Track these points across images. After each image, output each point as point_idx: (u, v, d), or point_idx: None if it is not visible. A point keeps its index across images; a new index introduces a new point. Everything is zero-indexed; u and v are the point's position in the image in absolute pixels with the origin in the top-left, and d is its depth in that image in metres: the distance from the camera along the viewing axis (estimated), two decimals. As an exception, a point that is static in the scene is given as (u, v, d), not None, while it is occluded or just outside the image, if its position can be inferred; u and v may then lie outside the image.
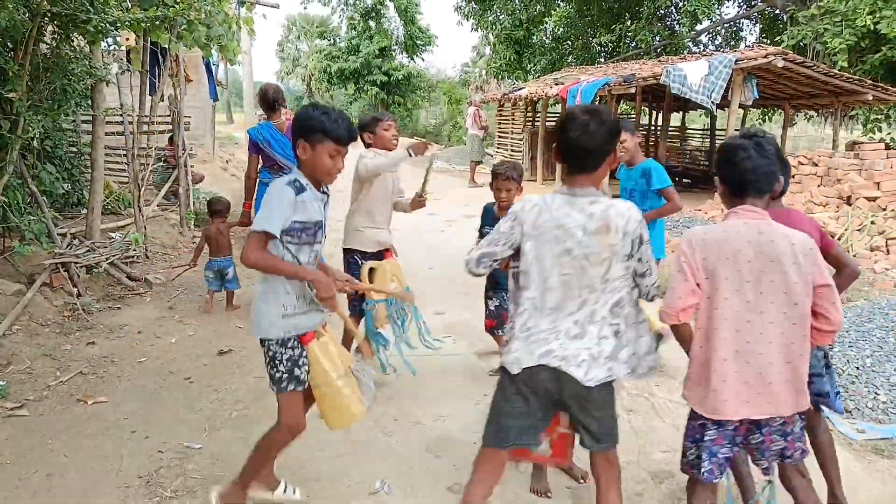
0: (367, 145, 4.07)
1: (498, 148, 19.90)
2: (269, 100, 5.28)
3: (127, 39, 6.19)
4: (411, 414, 3.92)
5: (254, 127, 5.46)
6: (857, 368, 4.31)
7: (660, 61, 14.39)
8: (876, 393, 4.07)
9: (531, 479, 3.15)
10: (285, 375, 2.58)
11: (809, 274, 2.19)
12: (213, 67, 12.83)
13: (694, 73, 10.62)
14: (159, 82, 8.34)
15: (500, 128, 20.16)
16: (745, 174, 2.25)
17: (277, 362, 2.57)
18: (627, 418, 3.95)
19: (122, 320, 5.30)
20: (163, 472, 3.21)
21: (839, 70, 12.43)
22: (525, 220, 2.28)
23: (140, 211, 6.88)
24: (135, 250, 6.55)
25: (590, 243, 2.18)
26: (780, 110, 16.58)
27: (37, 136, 5.28)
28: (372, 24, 31.31)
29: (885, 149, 9.74)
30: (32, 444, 3.45)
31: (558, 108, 15.46)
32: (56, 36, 5.47)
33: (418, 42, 33.06)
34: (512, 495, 3.09)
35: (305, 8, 50.17)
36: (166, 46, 7.19)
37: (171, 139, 9.11)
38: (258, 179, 5.36)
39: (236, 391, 4.16)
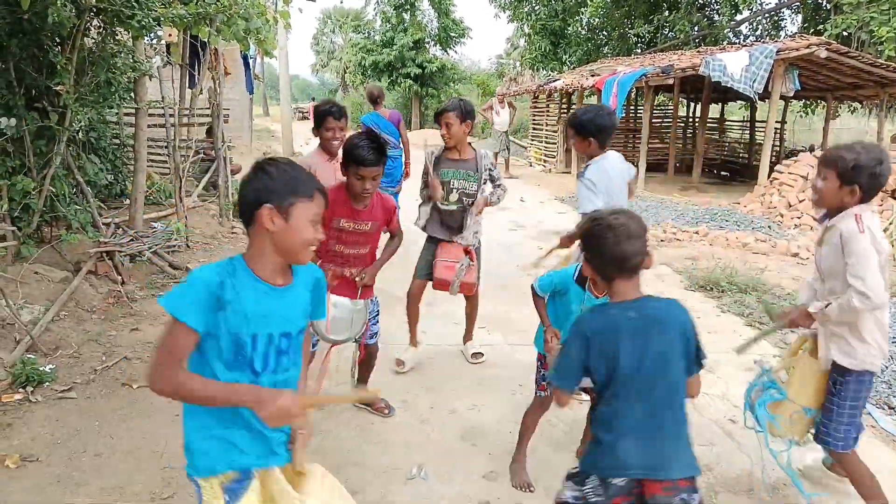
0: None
1: (532, 140, 19.80)
2: (374, 97, 7.53)
3: (169, 35, 6.31)
4: (447, 403, 3.95)
5: (366, 115, 7.67)
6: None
7: (699, 52, 14.16)
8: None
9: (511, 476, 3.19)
10: None
11: None
12: (251, 61, 13.00)
13: (734, 64, 10.44)
14: (199, 76, 8.50)
15: (534, 120, 20.06)
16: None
17: None
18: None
19: (164, 308, 5.42)
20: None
21: (886, 59, 12.09)
22: None
23: (181, 201, 7.03)
24: (176, 240, 6.69)
25: None
26: (822, 102, 16.19)
27: (82, 128, 5.42)
28: (406, 16, 31.36)
29: (933, 141, 9.45)
30: (81, 426, 3.56)
31: (594, 99, 15.30)
32: (101, 31, 5.60)
33: (452, 34, 33.02)
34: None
35: (341, 2, 50.52)
36: (205, 40, 7.32)
37: (209, 131, 9.27)
38: None
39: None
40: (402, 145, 7.44)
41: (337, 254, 3.35)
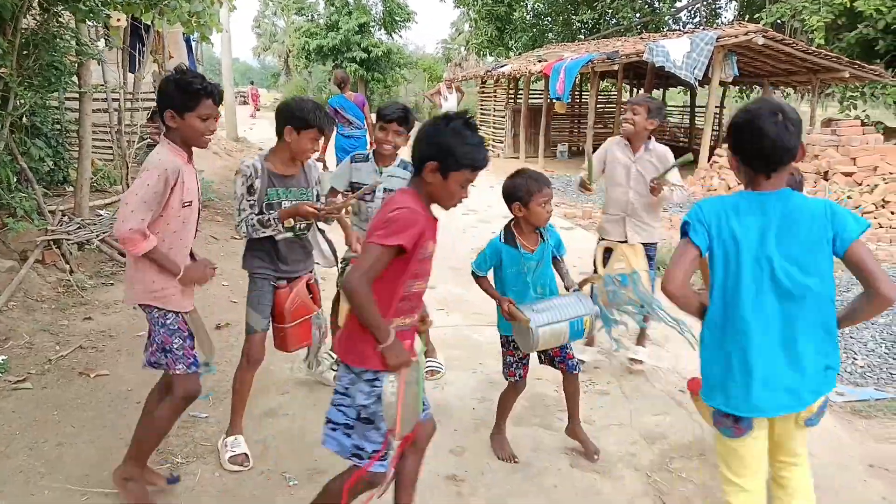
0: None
1: (480, 125, 19.92)
2: (341, 82, 8.53)
3: (118, 21, 6.13)
4: (410, 383, 4.02)
5: (332, 98, 8.51)
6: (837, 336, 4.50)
7: (641, 38, 14.49)
8: (854, 358, 4.26)
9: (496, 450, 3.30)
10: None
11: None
12: (194, 44, 12.67)
13: (676, 50, 10.74)
14: (142, 59, 8.27)
15: (481, 105, 20.18)
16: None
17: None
18: (619, 384, 4.10)
19: (116, 296, 5.32)
20: (172, 441, 3.29)
21: (816, 47, 12.62)
22: None
23: (128, 188, 6.85)
24: (124, 227, 6.54)
25: None
26: (758, 87, 16.79)
27: (26, 112, 5.25)
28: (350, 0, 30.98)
29: (861, 125, 9.96)
30: (39, 416, 3.50)
31: (541, 84, 15.50)
32: (43, 13, 5.41)
33: (397, 18, 32.77)
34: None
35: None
36: (148, 23, 7.13)
37: (151, 117, 9.04)
38: (336, 131, 8.36)
39: (236, 363, 4.22)
40: (365, 126, 8.40)
41: (410, 296, 2.21)
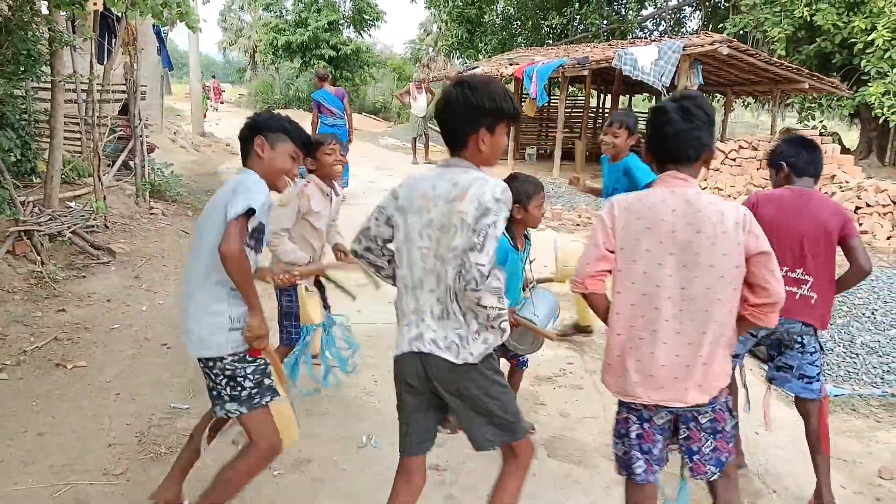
0: (310, 171, 3.54)
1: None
2: (322, 77, 9.52)
3: (94, 4, 6.06)
4: (389, 377, 4.08)
5: (316, 92, 9.42)
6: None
7: (609, 45, 14.76)
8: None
9: None
10: (255, 389, 2.33)
11: (741, 244, 2.00)
12: (164, 35, 12.52)
13: (644, 58, 10.99)
14: (112, 49, 8.15)
15: (451, 106, 20.25)
16: (667, 140, 2.10)
17: (241, 378, 2.31)
18: (591, 379, 4.23)
19: (89, 288, 5.28)
20: (154, 431, 3.31)
21: (777, 59, 13.03)
22: (399, 193, 2.18)
23: (100, 180, 6.78)
24: (95, 220, 6.47)
25: (446, 211, 2.03)
26: (721, 96, 17.23)
27: (-3, 101, 5.17)
28: (320, -4, 30.79)
29: (819, 135, 10.33)
30: (17, 407, 3.48)
31: (511, 87, 15.64)
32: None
33: (366, 17, 32.68)
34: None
35: (249, -22, 48.82)
36: (118, 14, 7.04)
37: (122, 110, 8.93)
38: (319, 122, 9.16)
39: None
40: (346, 116, 9.25)
41: None
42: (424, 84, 15.52)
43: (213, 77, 33.74)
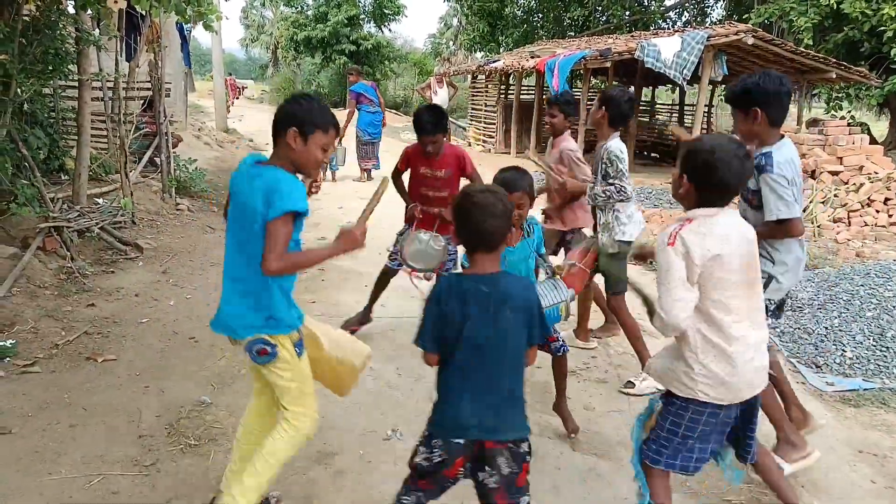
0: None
1: (471, 120, 20.01)
2: (358, 72, 11.51)
3: (116, 2, 6.14)
4: (413, 369, 4.11)
5: (355, 85, 11.09)
6: (826, 328, 4.65)
7: (632, 36, 14.62)
8: (843, 350, 4.40)
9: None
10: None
11: None
12: (187, 33, 12.64)
13: (667, 49, 10.87)
14: (137, 47, 8.25)
15: (473, 100, 20.25)
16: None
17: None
18: (616, 372, 4.22)
19: (117, 283, 5.37)
20: (184, 423, 3.36)
21: (804, 48, 12.81)
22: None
23: (127, 177, 6.88)
24: (122, 216, 6.57)
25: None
26: (745, 87, 16.96)
27: (26, 100, 5.26)
28: (340, -9, 30.88)
29: (847, 126, 10.16)
30: (49, 399, 3.55)
31: (532, 80, 15.57)
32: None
33: (386, 11, 32.74)
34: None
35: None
36: (143, 12, 7.12)
37: (148, 106, 9.04)
38: (358, 111, 10.93)
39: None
40: (381, 104, 11.12)
41: (424, 195, 4.32)
42: (446, 78, 15.50)
43: (231, 74, 33.96)
